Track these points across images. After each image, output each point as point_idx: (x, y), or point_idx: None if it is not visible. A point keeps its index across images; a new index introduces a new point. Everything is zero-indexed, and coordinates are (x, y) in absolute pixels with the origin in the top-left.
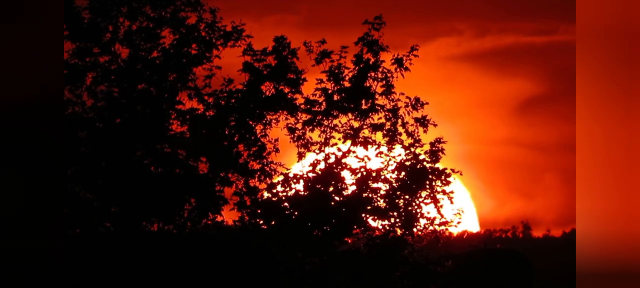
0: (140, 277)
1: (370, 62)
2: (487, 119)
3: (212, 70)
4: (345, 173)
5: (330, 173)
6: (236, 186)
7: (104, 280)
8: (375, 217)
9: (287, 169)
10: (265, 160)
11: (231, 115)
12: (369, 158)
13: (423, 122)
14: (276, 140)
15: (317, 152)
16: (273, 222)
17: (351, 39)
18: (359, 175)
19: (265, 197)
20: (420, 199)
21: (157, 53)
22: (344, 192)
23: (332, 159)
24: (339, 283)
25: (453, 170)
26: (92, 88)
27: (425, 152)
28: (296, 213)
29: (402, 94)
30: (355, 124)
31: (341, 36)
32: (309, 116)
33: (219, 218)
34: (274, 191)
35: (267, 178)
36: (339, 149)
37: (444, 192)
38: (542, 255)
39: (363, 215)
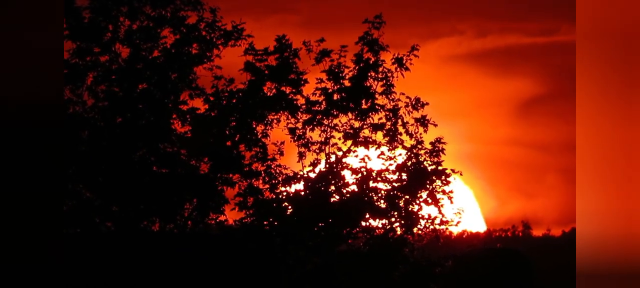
0: (141, 276)
1: (370, 62)
2: (488, 119)
3: (212, 70)
4: (346, 173)
5: (331, 173)
6: (239, 187)
7: (105, 280)
8: (376, 217)
9: (295, 173)
10: (270, 163)
11: (232, 114)
12: (369, 158)
13: (423, 122)
14: (282, 143)
15: (318, 151)
16: (275, 222)
17: (352, 39)
18: (359, 175)
19: (267, 196)
20: (421, 199)
21: (157, 52)
22: (344, 190)
23: (332, 158)
24: (339, 283)
25: (453, 170)
26: (93, 87)
27: (426, 152)
28: (297, 212)
29: (403, 93)
30: (356, 124)
31: (342, 36)
32: (309, 116)
33: (221, 218)
34: (276, 191)
35: (272, 181)
36: (339, 149)
37: (444, 192)
38: (541, 254)
39: (364, 214)
